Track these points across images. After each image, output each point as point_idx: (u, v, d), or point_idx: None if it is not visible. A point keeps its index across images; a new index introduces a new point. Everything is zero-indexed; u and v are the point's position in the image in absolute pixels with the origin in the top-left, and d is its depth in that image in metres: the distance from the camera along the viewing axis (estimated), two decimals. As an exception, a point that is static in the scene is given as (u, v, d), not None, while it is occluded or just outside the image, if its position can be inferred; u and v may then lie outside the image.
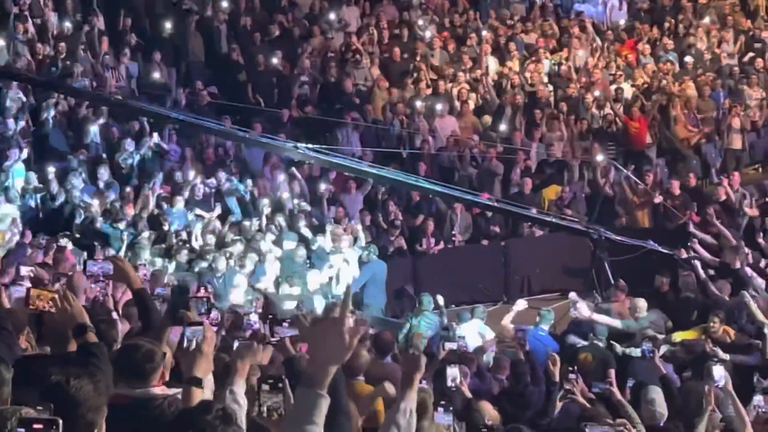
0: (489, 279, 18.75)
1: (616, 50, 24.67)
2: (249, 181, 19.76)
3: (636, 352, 12.54)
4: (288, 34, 24.34)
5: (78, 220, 17.61)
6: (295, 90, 22.61)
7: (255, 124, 20.66)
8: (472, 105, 22.72)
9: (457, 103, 22.70)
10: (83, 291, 10.40)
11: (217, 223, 18.08)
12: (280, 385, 5.02)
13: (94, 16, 22.70)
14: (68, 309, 5.50)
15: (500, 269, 19.09)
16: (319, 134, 20.92)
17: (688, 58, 23.80)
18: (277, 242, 17.62)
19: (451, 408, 6.40)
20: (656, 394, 10.26)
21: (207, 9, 24.07)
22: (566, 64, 23.90)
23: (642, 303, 14.89)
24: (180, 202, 18.37)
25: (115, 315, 8.66)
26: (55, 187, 18.51)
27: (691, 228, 17.74)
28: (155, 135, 20.15)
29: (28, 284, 10.14)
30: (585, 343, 14.10)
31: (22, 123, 19.67)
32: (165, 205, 18.45)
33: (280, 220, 18.42)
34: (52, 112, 20.00)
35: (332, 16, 24.78)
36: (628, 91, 23.12)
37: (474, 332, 14.46)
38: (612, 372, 11.86)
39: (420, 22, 24.99)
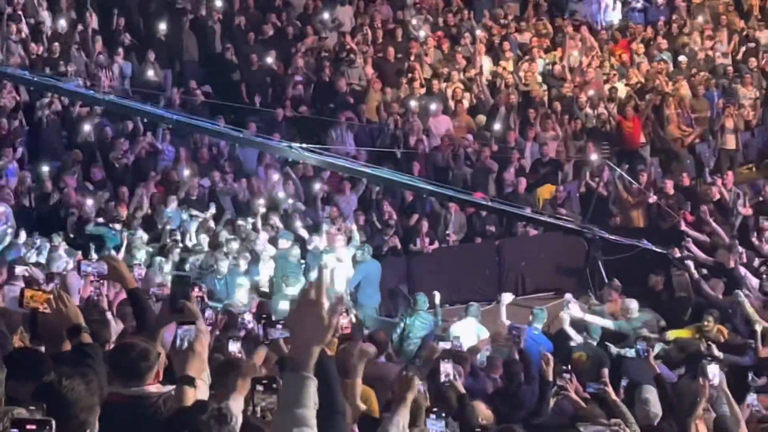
0: (483, 278, 18.74)
1: (610, 50, 24.69)
2: (243, 181, 19.77)
3: (630, 352, 12.55)
4: (282, 33, 24.33)
5: (72, 220, 17.60)
6: (289, 90, 22.60)
7: (249, 124, 20.65)
8: (466, 104, 22.73)
9: (452, 103, 22.71)
10: (77, 291, 10.41)
11: (211, 223, 18.07)
12: (274, 385, 5.02)
13: (88, 15, 22.70)
14: (63, 310, 5.50)
15: (494, 269, 19.09)
16: (313, 134, 20.91)
17: (681, 58, 23.82)
18: (272, 242, 17.61)
19: (443, 414, 6.39)
20: (650, 393, 10.28)
21: (201, 8, 24.05)
22: (560, 63, 23.91)
23: (633, 304, 14.88)
24: (174, 202, 18.37)
25: (109, 315, 8.65)
26: (49, 186, 18.52)
27: (684, 227, 17.76)
28: (149, 134, 20.19)
29: (22, 284, 10.14)
30: (581, 339, 14.11)
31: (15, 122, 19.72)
32: (159, 205, 18.44)
33: (276, 219, 18.41)
34: (47, 112, 19.98)
35: (326, 15, 24.76)
36: (621, 90, 23.15)
37: (469, 331, 14.44)
38: (605, 371, 11.88)
39: (414, 21, 24.97)
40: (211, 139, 20.87)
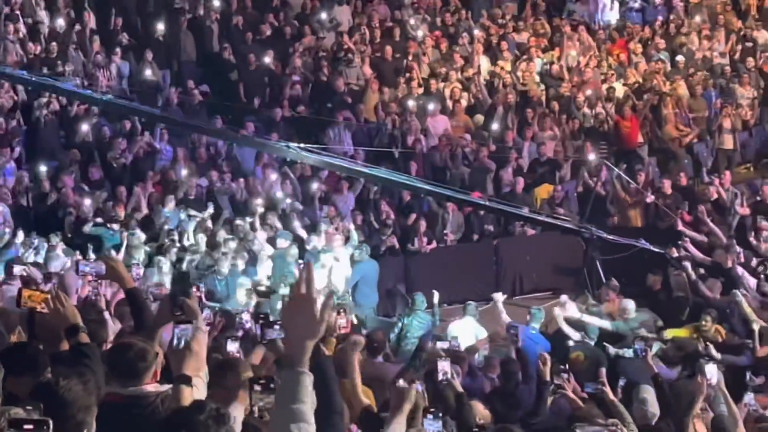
0: (481, 278, 18.74)
1: (608, 49, 24.70)
2: (241, 181, 19.77)
3: (628, 353, 12.55)
4: (280, 33, 24.32)
5: (69, 220, 17.59)
6: (286, 89, 22.59)
7: (247, 124, 20.66)
8: (464, 104, 22.73)
9: (449, 103, 22.72)
10: (75, 291, 10.41)
11: (209, 223, 18.06)
12: (272, 385, 5.02)
13: (86, 15, 22.69)
14: (60, 309, 5.50)
15: (492, 268, 19.10)
16: (311, 134, 20.91)
17: (679, 58, 23.84)
18: (271, 241, 17.60)
19: (440, 414, 6.39)
20: (648, 393, 10.29)
21: (198, 8, 24.04)
22: (558, 63, 23.92)
23: (630, 305, 14.86)
24: (172, 202, 18.35)
25: (106, 314, 8.65)
26: (46, 186, 18.52)
27: (681, 227, 17.76)
28: (147, 134, 20.19)
29: (19, 284, 10.14)
30: (578, 335, 14.11)
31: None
32: (157, 205, 18.44)
33: (274, 219, 18.40)
34: (44, 112, 19.98)
35: (324, 15, 24.76)
36: (619, 90, 23.16)
37: (467, 331, 14.43)
38: (603, 371, 11.87)
39: (412, 21, 24.98)
40: (208, 139, 20.88)
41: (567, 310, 14.81)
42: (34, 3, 22.59)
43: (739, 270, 15.89)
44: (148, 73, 21.95)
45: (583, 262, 18.06)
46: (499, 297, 15.37)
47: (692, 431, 8.68)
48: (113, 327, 8.31)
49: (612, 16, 25.97)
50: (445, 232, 19.54)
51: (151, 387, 5.27)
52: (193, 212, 18.24)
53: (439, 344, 11.46)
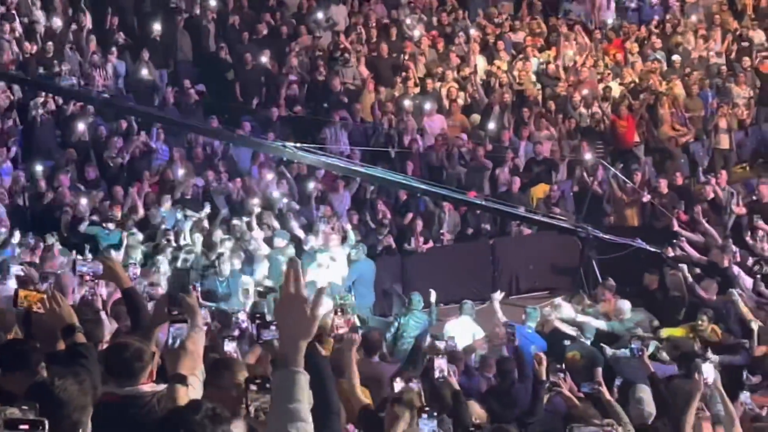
0: (477, 278, 18.75)
1: (604, 49, 24.72)
2: (238, 180, 19.76)
3: (625, 352, 12.55)
4: (276, 32, 24.31)
5: (66, 219, 17.58)
6: (283, 89, 22.59)
7: (244, 123, 20.65)
8: (460, 103, 22.73)
9: (446, 102, 22.72)
10: (71, 291, 10.39)
11: (206, 223, 18.04)
12: (268, 385, 5.02)
13: (82, 14, 22.68)
14: (56, 309, 5.50)
15: (488, 268, 19.11)
16: (307, 133, 20.91)
17: (675, 57, 23.85)
18: (267, 241, 17.58)
19: (435, 414, 6.39)
20: (644, 393, 10.30)
21: (195, 8, 24.04)
22: (554, 62, 23.93)
23: (626, 305, 14.86)
24: (168, 202, 18.34)
25: (103, 314, 8.64)
26: (43, 185, 18.50)
27: (677, 227, 17.75)
28: (143, 134, 20.18)
29: (16, 284, 10.11)
30: (574, 332, 14.11)
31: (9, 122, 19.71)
32: (153, 205, 18.42)
33: (270, 219, 18.38)
34: (41, 111, 19.97)
35: (320, 15, 24.76)
36: (616, 89, 23.16)
37: (464, 330, 14.44)
38: (599, 371, 11.89)
39: (408, 21, 24.98)
40: (205, 139, 20.87)
41: (561, 311, 14.80)
42: (30, 2, 22.59)
43: (736, 269, 15.89)
44: (144, 72, 21.95)
45: (580, 262, 18.07)
46: (498, 296, 15.36)
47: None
48: (109, 327, 8.31)
49: (608, 15, 25.99)
50: (441, 231, 19.54)
51: (148, 387, 5.27)
52: (189, 212, 18.23)
53: (436, 344, 11.48)
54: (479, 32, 24.87)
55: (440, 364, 8.38)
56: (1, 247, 15.69)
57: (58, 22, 22.36)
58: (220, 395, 5.28)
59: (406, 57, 23.71)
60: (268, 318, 7.52)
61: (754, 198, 19.12)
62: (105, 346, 6.48)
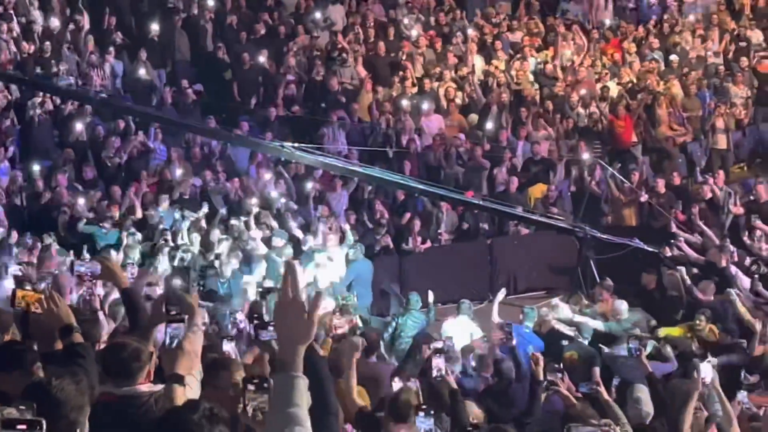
0: (475, 277, 18.75)
1: (602, 49, 24.71)
2: (236, 180, 19.75)
3: (623, 351, 12.56)
4: (274, 32, 24.31)
5: (63, 219, 17.57)
6: (281, 89, 22.58)
7: (241, 123, 20.64)
8: (458, 103, 22.73)
9: (444, 102, 22.72)
10: (69, 290, 10.39)
11: (203, 222, 18.03)
12: (266, 385, 5.03)
13: (79, 14, 22.68)
14: (54, 310, 5.50)
15: (486, 268, 19.11)
16: (305, 133, 20.91)
17: (673, 57, 23.85)
18: (265, 241, 17.57)
19: (431, 411, 6.39)
20: (642, 392, 10.30)
21: (192, 7, 24.03)
22: (552, 62, 23.93)
23: (623, 306, 14.85)
24: (166, 201, 18.33)
25: (101, 314, 8.64)
26: (40, 185, 18.49)
27: (675, 229, 17.74)
28: (141, 134, 20.17)
29: (13, 284, 10.10)
30: (572, 332, 14.11)
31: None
32: (151, 205, 18.41)
33: (269, 218, 18.37)
34: (38, 111, 19.96)
35: (318, 14, 24.76)
36: (613, 89, 23.16)
37: (462, 330, 14.44)
38: (597, 371, 11.88)
39: (406, 20, 24.97)
40: (202, 138, 20.86)
41: (558, 312, 14.81)
42: (28, 2, 22.58)
43: (733, 269, 15.90)
44: (142, 72, 21.94)
45: (577, 262, 18.08)
46: (500, 296, 15.37)
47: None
48: (107, 327, 8.30)
49: (606, 15, 25.98)
50: (439, 231, 19.54)
51: (145, 387, 5.27)
52: (187, 212, 18.21)
53: (433, 345, 11.49)
54: (477, 32, 24.86)
55: (438, 363, 8.39)
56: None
57: (55, 22, 22.36)
58: (218, 395, 5.28)
59: (404, 57, 23.71)
60: (266, 318, 7.52)
61: (752, 198, 19.11)
62: (102, 346, 6.48)
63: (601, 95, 22.84)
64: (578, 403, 9.15)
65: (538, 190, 20.51)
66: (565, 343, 13.80)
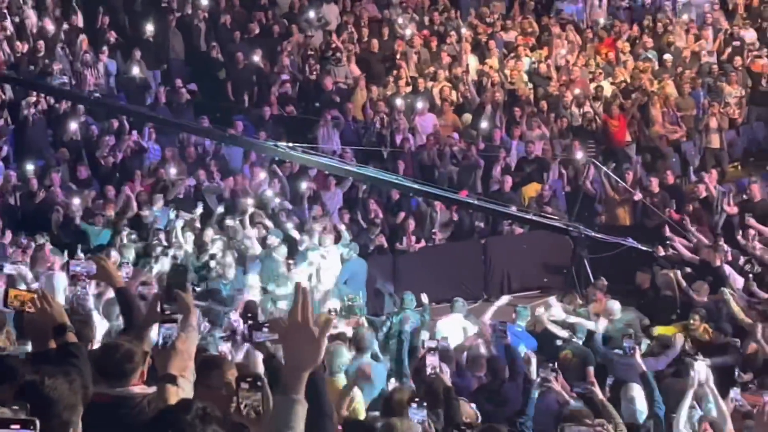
0: (469, 277, 18.76)
1: (596, 48, 24.73)
2: (230, 179, 19.73)
3: (617, 350, 12.56)
4: (268, 31, 24.30)
5: (57, 218, 17.54)
6: (275, 88, 22.58)
7: (236, 123, 20.64)
8: (452, 102, 22.73)
9: (438, 101, 22.72)
10: (62, 290, 10.39)
11: (198, 222, 18.01)
12: (259, 383, 5.02)
13: (73, 14, 22.65)
14: (47, 309, 5.49)
15: (480, 267, 19.11)
16: (299, 133, 20.90)
17: (667, 56, 23.88)
18: (261, 240, 17.55)
19: (424, 404, 6.40)
20: (636, 392, 10.30)
21: (186, 7, 24.02)
22: (546, 62, 23.94)
23: (616, 306, 14.84)
24: (160, 201, 18.31)
25: (95, 314, 8.65)
26: (34, 185, 18.47)
27: (668, 233, 17.69)
28: (135, 133, 20.15)
29: (4, 284, 10.10)
30: (565, 333, 14.11)
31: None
32: (146, 204, 18.39)
33: (263, 218, 18.35)
34: (32, 110, 19.94)
35: (312, 14, 24.76)
36: (607, 89, 23.18)
37: (455, 328, 14.44)
38: (591, 370, 11.89)
39: (400, 20, 24.98)
40: (197, 138, 20.84)
41: (553, 312, 14.80)
42: (22, 1, 22.56)
43: (727, 269, 15.91)
44: (135, 71, 21.92)
45: (571, 261, 18.06)
46: (502, 301, 15.37)
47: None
48: (101, 326, 8.31)
49: (600, 14, 26.00)
50: (433, 231, 19.54)
51: (138, 388, 5.27)
52: (182, 212, 18.18)
53: (428, 343, 11.47)
54: (471, 31, 24.88)
55: (432, 360, 8.39)
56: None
57: (49, 22, 22.32)
58: (210, 394, 5.27)
59: (398, 56, 23.71)
60: (261, 318, 7.52)
61: (746, 197, 19.13)
62: (96, 345, 6.48)
63: (595, 95, 22.86)
64: (572, 402, 9.16)
65: (532, 190, 20.52)
66: (559, 342, 13.80)
